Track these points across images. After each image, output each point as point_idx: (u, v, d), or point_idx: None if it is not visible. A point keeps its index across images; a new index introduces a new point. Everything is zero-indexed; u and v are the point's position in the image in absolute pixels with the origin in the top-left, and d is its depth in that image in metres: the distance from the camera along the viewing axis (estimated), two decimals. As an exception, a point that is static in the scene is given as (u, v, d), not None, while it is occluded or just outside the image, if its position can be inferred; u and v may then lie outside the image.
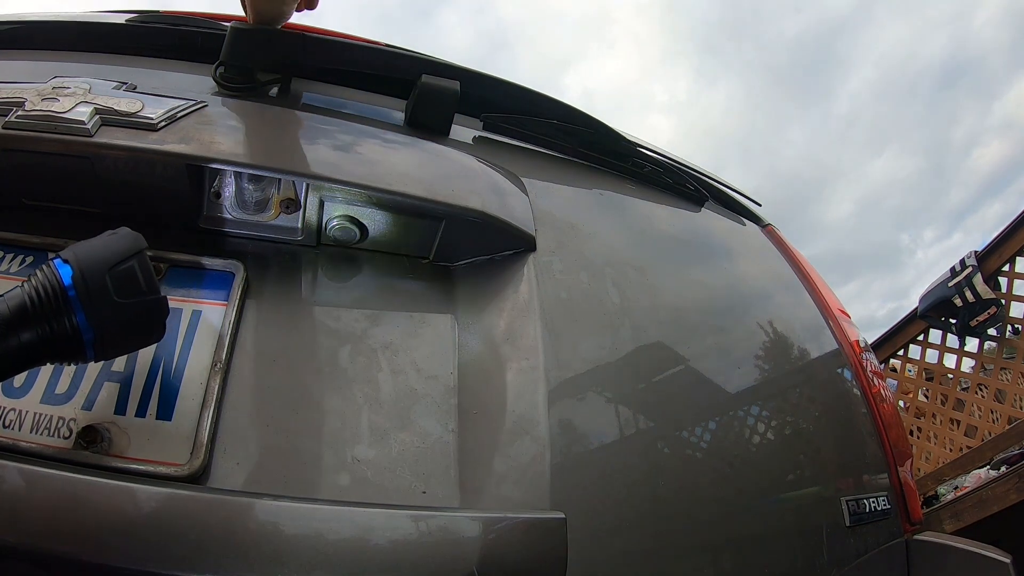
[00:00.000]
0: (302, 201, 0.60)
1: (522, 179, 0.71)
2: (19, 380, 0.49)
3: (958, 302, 2.96)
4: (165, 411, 0.50)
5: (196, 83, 0.69)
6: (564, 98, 0.84)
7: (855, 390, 0.82)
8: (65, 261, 0.43)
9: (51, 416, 0.48)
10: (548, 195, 0.73)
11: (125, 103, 0.57)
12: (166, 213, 0.60)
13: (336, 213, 0.61)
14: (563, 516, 0.48)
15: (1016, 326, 2.91)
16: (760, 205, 1.05)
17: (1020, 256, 2.82)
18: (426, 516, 0.46)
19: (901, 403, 3.39)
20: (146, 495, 0.41)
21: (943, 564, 0.74)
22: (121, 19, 0.78)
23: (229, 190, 0.60)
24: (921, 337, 3.35)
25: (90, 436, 0.47)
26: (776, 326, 0.80)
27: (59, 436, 0.48)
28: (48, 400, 0.49)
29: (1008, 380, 2.96)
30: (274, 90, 0.73)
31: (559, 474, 0.53)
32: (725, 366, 0.72)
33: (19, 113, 0.54)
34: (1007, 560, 0.72)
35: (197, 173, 0.58)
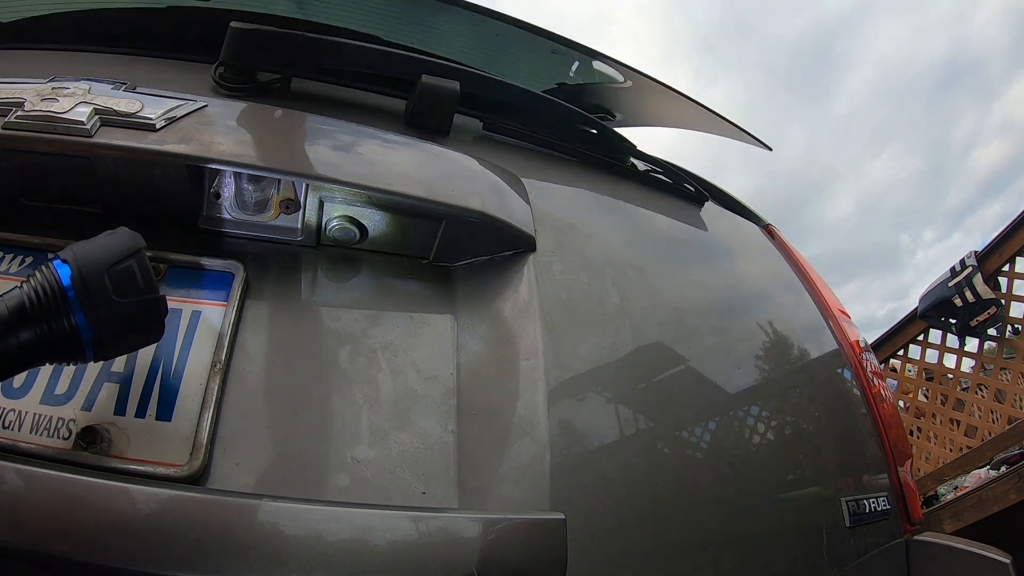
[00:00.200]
0: (302, 201, 0.60)
1: (522, 179, 0.71)
2: (19, 381, 0.49)
3: (958, 302, 2.96)
4: (165, 412, 0.50)
5: (196, 83, 0.69)
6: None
7: (855, 390, 0.83)
8: (64, 261, 0.43)
9: (51, 417, 0.48)
10: (548, 195, 0.73)
11: (124, 103, 0.56)
12: (166, 213, 0.60)
13: (336, 213, 0.61)
14: (563, 517, 0.48)
15: (1016, 326, 2.91)
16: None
17: (1020, 256, 2.81)
18: (426, 517, 0.46)
19: (901, 403, 3.39)
20: (146, 496, 0.41)
21: (943, 564, 0.74)
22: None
23: (229, 190, 0.60)
24: (921, 337, 3.34)
25: (90, 437, 0.47)
26: (776, 326, 0.80)
27: (59, 437, 0.48)
28: (48, 401, 0.49)
29: (1008, 380, 2.96)
30: (274, 90, 0.73)
31: (559, 475, 0.52)
32: (725, 366, 0.72)
33: (19, 113, 0.54)
34: (1007, 560, 0.72)
35: (197, 173, 0.58)
